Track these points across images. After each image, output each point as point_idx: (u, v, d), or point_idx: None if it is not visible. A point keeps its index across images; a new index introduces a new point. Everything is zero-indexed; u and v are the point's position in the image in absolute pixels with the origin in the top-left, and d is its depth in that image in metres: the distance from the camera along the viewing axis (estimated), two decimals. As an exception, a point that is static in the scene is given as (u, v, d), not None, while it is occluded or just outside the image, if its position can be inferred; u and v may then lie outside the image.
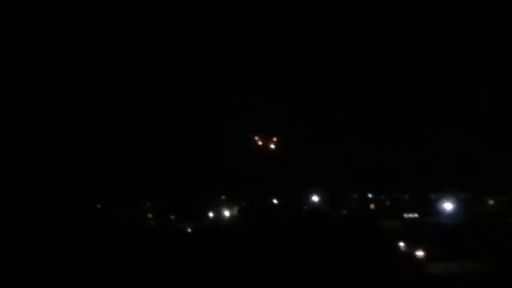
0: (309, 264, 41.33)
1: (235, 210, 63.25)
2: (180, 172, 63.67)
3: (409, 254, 45.17)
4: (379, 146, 63.60)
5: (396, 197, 63.45)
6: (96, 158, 64.27)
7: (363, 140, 63.78)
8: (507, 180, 58.36)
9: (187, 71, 67.01)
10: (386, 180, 62.71)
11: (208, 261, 42.40)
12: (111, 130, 65.38)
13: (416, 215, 58.56)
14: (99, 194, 62.12)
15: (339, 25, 65.78)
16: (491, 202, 59.48)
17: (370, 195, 64.11)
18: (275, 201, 63.81)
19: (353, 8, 65.33)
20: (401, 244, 46.68)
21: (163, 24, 66.93)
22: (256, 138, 67.80)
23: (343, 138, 64.52)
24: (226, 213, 63.22)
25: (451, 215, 56.01)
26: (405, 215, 58.52)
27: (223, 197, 65.66)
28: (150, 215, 63.35)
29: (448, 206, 57.19)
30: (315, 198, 61.62)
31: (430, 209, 58.13)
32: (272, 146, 67.62)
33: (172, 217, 61.98)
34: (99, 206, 63.34)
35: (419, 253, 44.25)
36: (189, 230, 57.03)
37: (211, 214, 63.00)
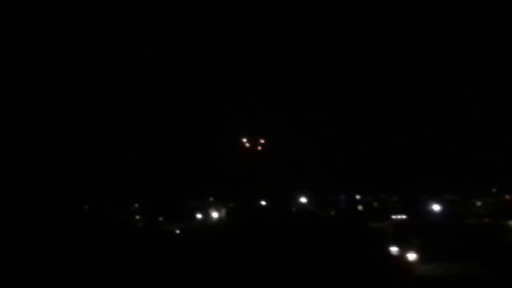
0: (298, 265, 41.33)
1: (224, 212, 63.29)
2: (168, 174, 63.65)
3: (398, 256, 45.32)
4: (367, 147, 63.91)
5: (384, 198, 63.61)
6: (84, 160, 64.20)
7: (351, 142, 64.09)
8: (494, 182, 58.87)
9: (174, 74, 67.12)
10: (374, 182, 62.89)
11: (196, 262, 42.29)
12: (99, 132, 65.37)
13: (404, 217, 58.78)
14: (87, 196, 61.94)
15: (327, 26, 66.10)
16: (478, 204, 59.80)
17: (358, 197, 64.26)
18: (263, 202, 63.88)
19: (344, 10, 65.67)
20: (390, 246, 46.80)
21: (154, 28, 67.05)
22: (244, 140, 67.89)
23: (331, 141, 64.75)
24: (215, 214, 63.23)
25: (438, 217, 56.33)
26: (393, 217, 58.74)
27: (211, 199, 65.64)
28: (137, 217, 63.23)
29: (435, 207, 57.54)
30: (303, 200, 61.75)
31: (417, 211, 58.41)
32: (259, 148, 67.75)
33: (161, 219, 61.89)
34: (86, 207, 63.16)
35: (409, 255, 44.41)
36: (177, 232, 56.95)
37: (199, 216, 63.00)
